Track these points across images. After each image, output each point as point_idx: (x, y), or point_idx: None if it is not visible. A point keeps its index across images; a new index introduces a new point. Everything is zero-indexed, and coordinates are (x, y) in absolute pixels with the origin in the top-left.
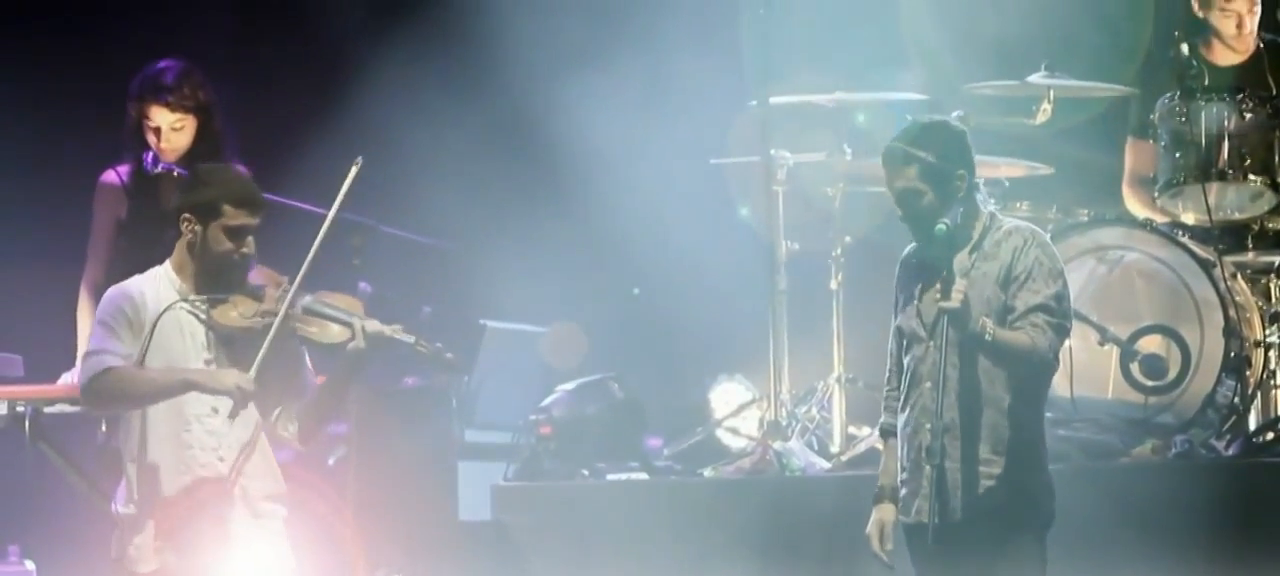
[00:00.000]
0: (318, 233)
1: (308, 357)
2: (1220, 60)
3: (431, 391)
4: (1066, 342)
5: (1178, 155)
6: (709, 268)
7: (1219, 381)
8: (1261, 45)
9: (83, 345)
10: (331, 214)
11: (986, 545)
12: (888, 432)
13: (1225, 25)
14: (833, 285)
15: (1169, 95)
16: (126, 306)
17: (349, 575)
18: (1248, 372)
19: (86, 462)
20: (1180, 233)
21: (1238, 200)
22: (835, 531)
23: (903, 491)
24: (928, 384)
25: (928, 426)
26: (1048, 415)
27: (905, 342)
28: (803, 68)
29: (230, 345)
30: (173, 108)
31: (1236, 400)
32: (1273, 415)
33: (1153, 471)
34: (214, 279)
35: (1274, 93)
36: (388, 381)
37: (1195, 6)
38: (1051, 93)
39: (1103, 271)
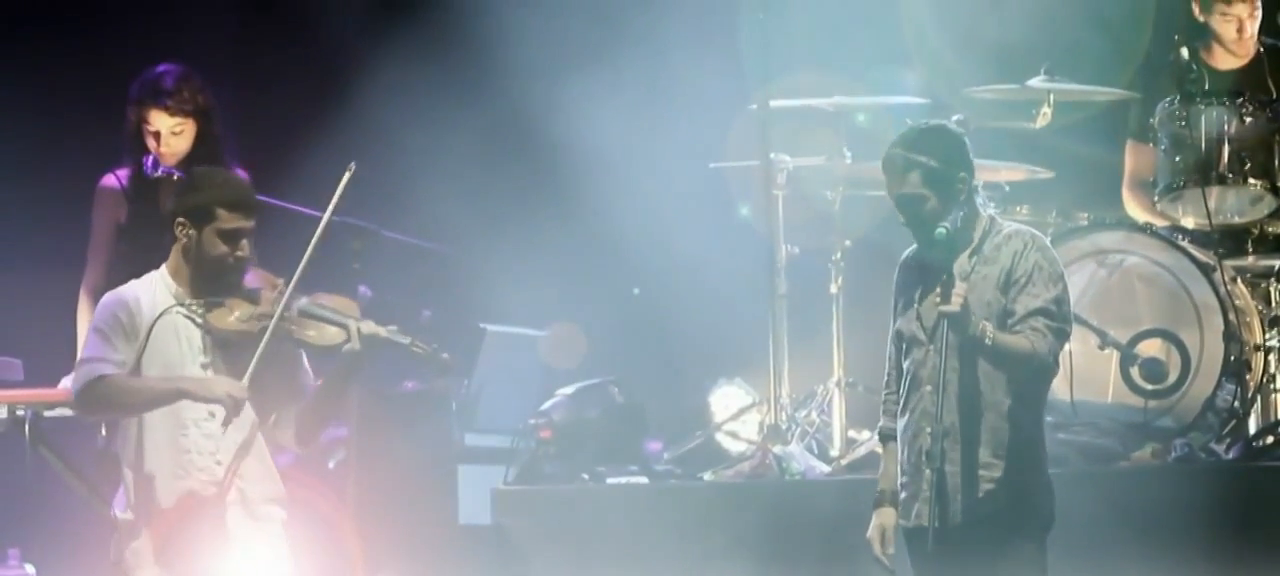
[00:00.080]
0: (324, 234)
1: (306, 360)
2: (1221, 64)
3: (431, 395)
4: (1066, 346)
5: (1178, 159)
6: (709, 271)
7: (1219, 385)
8: (1262, 49)
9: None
10: (325, 219)
11: (987, 548)
12: (887, 436)
13: (1226, 29)
14: (833, 289)
15: (1169, 99)
16: (121, 313)
17: None
18: (1248, 376)
19: (86, 466)
20: (1180, 236)
21: (1238, 204)
22: (835, 535)
23: (903, 495)
24: (928, 387)
25: (928, 430)
26: (1048, 419)
27: (905, 346)
28: (802, 71)
29: (227, 349)
30: (172, 111)
31: (1236, 404)
32: (1273, 419)
33: (1153, 475)
34: (210, 283)
35: (1274, 96)
36: (388, 385)
37: (1196, 10)
38: (1052, 96)
39: (1103, 275)
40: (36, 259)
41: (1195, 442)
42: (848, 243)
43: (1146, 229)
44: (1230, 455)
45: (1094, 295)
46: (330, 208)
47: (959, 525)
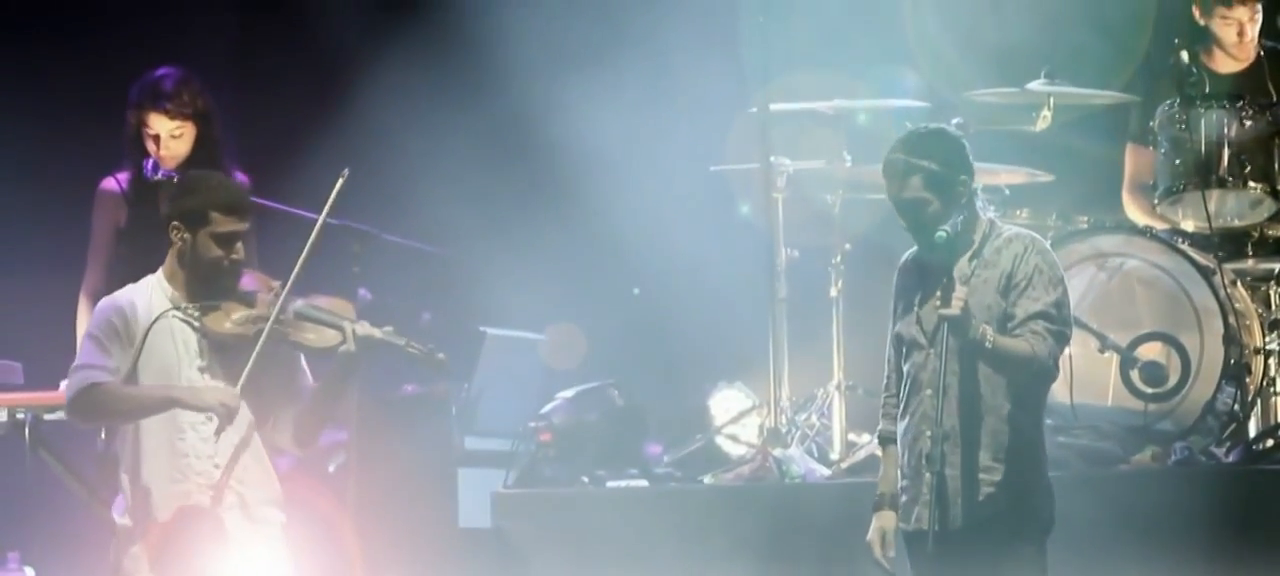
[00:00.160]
0: (318, 237)
1: (304, 362)
2: (1221, 67)
3: (431, 398)
4: (1066, 349)
5: (1177, 162)
6: (709, 274)
7: (1219, 388)
8: (1262, 53)
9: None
10: (319, 224)
11: (987, 552)
12: (886, 440)
13: (1226, 33)
14: (832, 292)
15: (1169, 102)
16: (115, 319)
17: None
18: (1247, 380)
19: (86, 469)
20: (1180, 240)
21: (1237, 207)
22: (835, 538)
23: (903, 498)
24: (928, 391)
25: (928, 433)
26: (1048, 422)
27: (905, 349)
28: (802, 73)
29: (223, 352)
30: (171, 115)
31: (1236, 407)
32: (1273, 422)
33: (1153, 478)
34: (205, 286)
35: (1275, 100)
36: (387, 389)
37: (1196, 14)
38: (1052, 100)
39: (1103, 278)
40: (36, 262)
41: (1195, 446)
42: (848, 246)
43: (1146, 232)
44: (1230, 458)
45: (1094, 298)
46: (323, 213)
47: (959, 528)
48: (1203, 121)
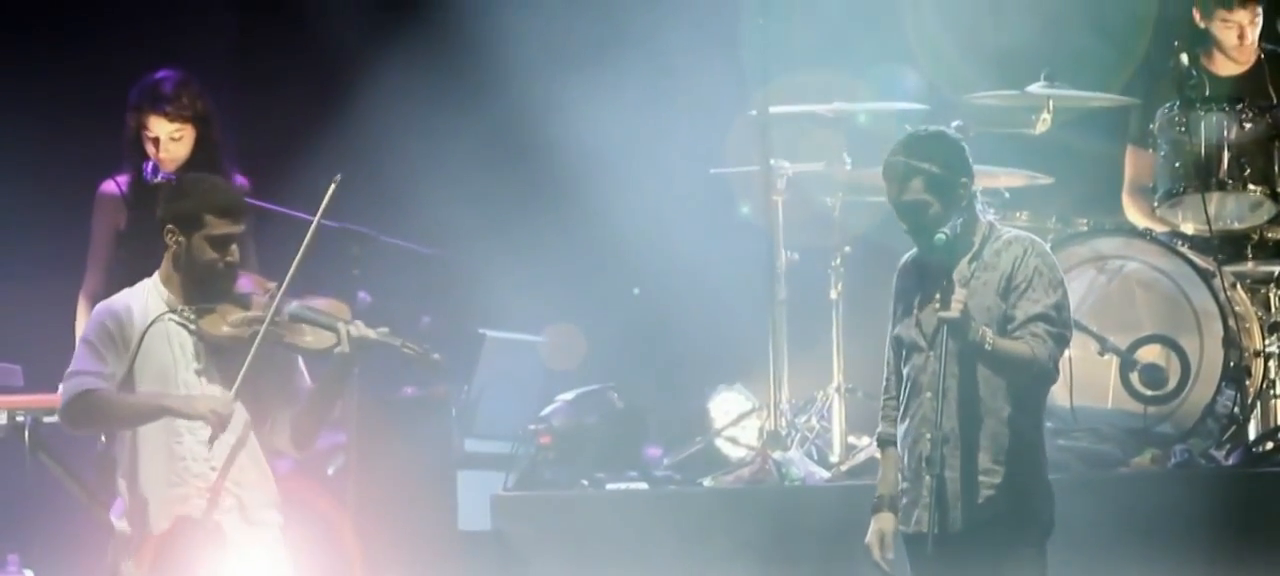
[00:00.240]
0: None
1: (302, 364)
2: (1221, 70)
3: (431, 401)
4: (1066, 352)
5: (1177, 165)
6: (709, 277)
7: (1218, 391)
8: (1262, 55)
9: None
10: (312, 228)
11: (987, 555)
12: (886, 442)
13: (1227, 35)
14: (832, 294)
15: (1168, 105)
16: (110, 324)
17: None
18: (1247, 382)
19: (85, 472)
20: (1180, 242)
21: (1237, 210)
22: (835, 541)
23: (903, 501)
24: (927, 393)
25: (927, 436)
26: (1047, 424)
27: (904, 352)
28: (802, 76)
29: (220, 354)
30: (171, 117)
31: (1236, 410)
32: (1272, 425)
33: (1152, 481)
34: (201, 289)
35: (1275, 102)
36: (387, 391)
37: (1197, 17)
38: (1051, 102)
39: (1102, 281)
40: (36, 264)
41: (1195, 448)
42: (847, 248)
43: (1146, 235)
44: (1230, 461)
45: (1094, 301)
46: (316, 218)
47: (959, 531)
48: (1202, 124)
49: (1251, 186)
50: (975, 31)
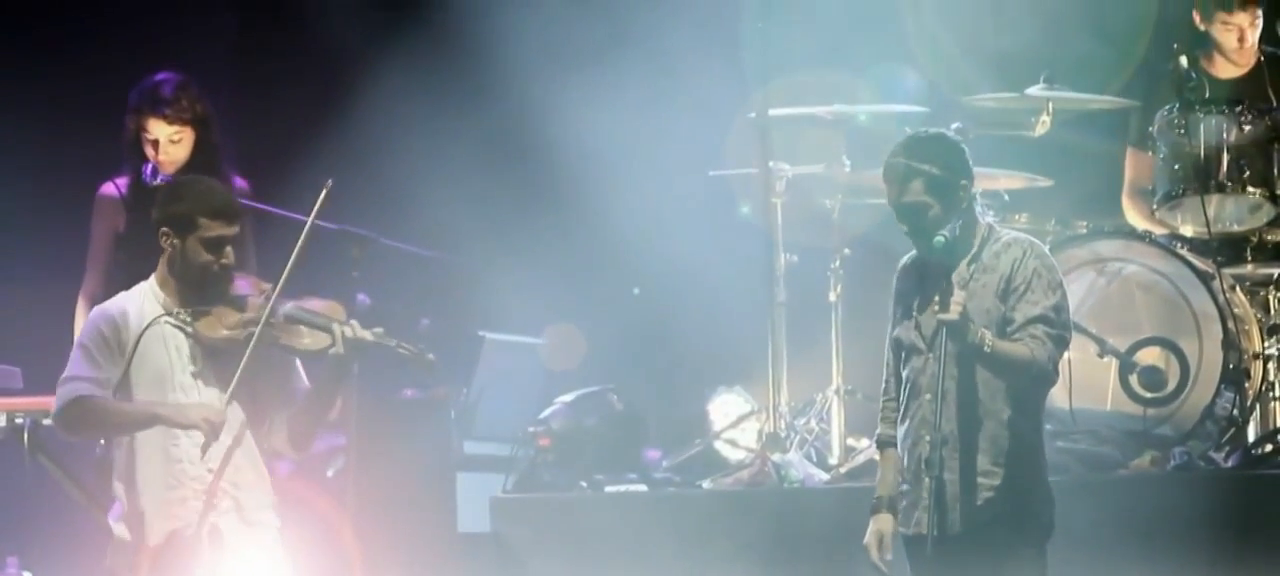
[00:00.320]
0: (313, 243)
1: (300, 365)
2: (1221, 73)
3: (430, 403)
4: (1065, 354)
5: (1176, 167)
6: (708, 279)
7: (1218, 393)
8: (1262, 58)
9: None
10: (304, 233)
11: (986, 556)
12: (885, 443)
13: (1227, 38)
14: (831, 297)
15: (1168, 107)
16: (106, 328)
17: None
18: (1246, 385)
19: (84, 474)
20: (1179, 245)
21: (1236, 212)
22: (834, 543)
23: (903, 502)
24: (927, 396)
25: (926, 438)
26: (1047, 427)
27: (904, 354)
28: (802, 78)
29: (216, 357)
30: (170, 120)
31: (1235, 412)
32: (1271, 427)
33: (1151, 483)
34: (196, 291)
35: (1274, 105)
36: (386, 393)
37: (1197, 19)
38: (1051, 105)
39: (1102, 283)
40: (36, 267)
41: (1194, 451)
42: (847, 250)
43: (1145, 237)
44: (1229, 463)
45: (1093, 303)
46: (309, 221)
47: (958, 533)
48: (1202, 126)
49: (1251, 189)
50: (975, 33)
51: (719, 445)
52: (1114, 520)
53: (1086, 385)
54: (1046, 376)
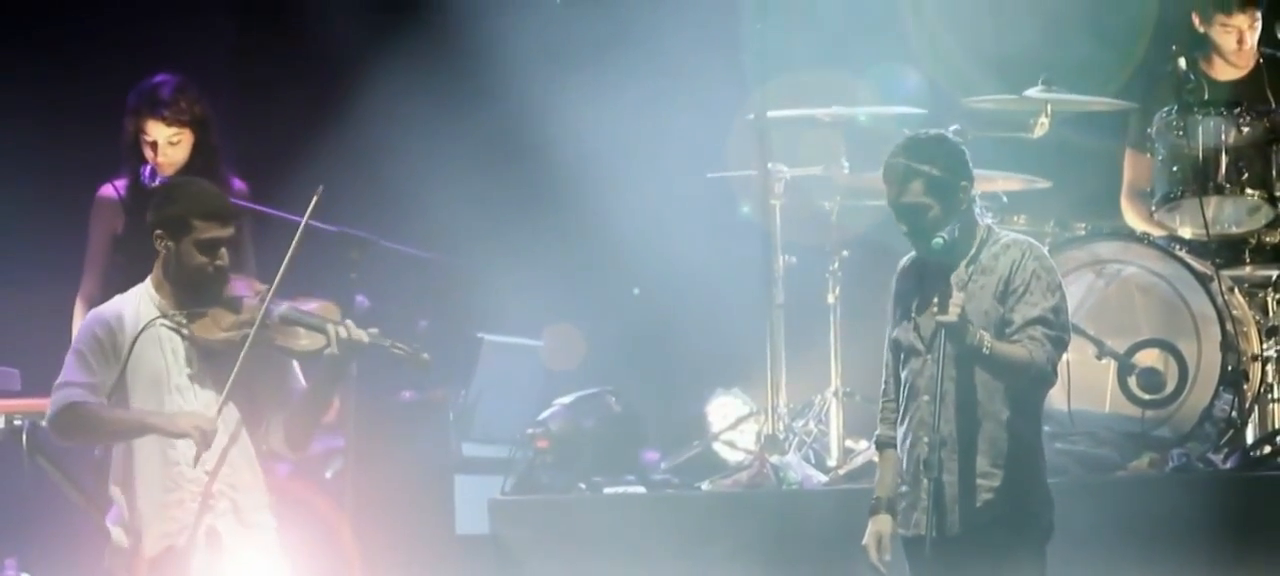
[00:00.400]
0: (312, 245)
1: (297, 366)
2: (1220, 75)
3: (429, 405)
4: (1064, 356)
5: (1175, 169)
6: (706, 281)
7: (1216, 395)
8: (1261, 60)
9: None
10: (297, 236)
11: (985, 558)
12: (884, 444)
13: (1226, 40)
14: (830, 299)
15: (1166, 109)
16: (100, 332)
17: None
18: (1245, 386)
19: (83, 476)
20: (1177, 246)
21: (1235, 214)
22: (833, 545)
23: (902, 504)
24: (925, 397)
25: (925, 439)
26: (1045, 428)
27: (903, 355)
28: (801, 80)
29: (212, 358)
30: (169, 122)
31: (1234, 414)
32: (1270, 429)
33: (1150, 485)
34: (191, 293)
35: (1273, 106)
36: (385, 395)
37: (1196, 22)
38: (1049, 107)
39: (1100, 285)
40: (35, 269)
41: (1193, 452)
42: (845, 252)
43: (1144, 239)
44: (1227, 465)
45: (1092, 305)
46: (301, 225)
47: (957, 534)
48: (1200, 128)
49: (1249, 190)
50: (974, 35)
51: (717, 447)
52: (1112, 522)
53: (1085, 387)
54: (1045, 378)
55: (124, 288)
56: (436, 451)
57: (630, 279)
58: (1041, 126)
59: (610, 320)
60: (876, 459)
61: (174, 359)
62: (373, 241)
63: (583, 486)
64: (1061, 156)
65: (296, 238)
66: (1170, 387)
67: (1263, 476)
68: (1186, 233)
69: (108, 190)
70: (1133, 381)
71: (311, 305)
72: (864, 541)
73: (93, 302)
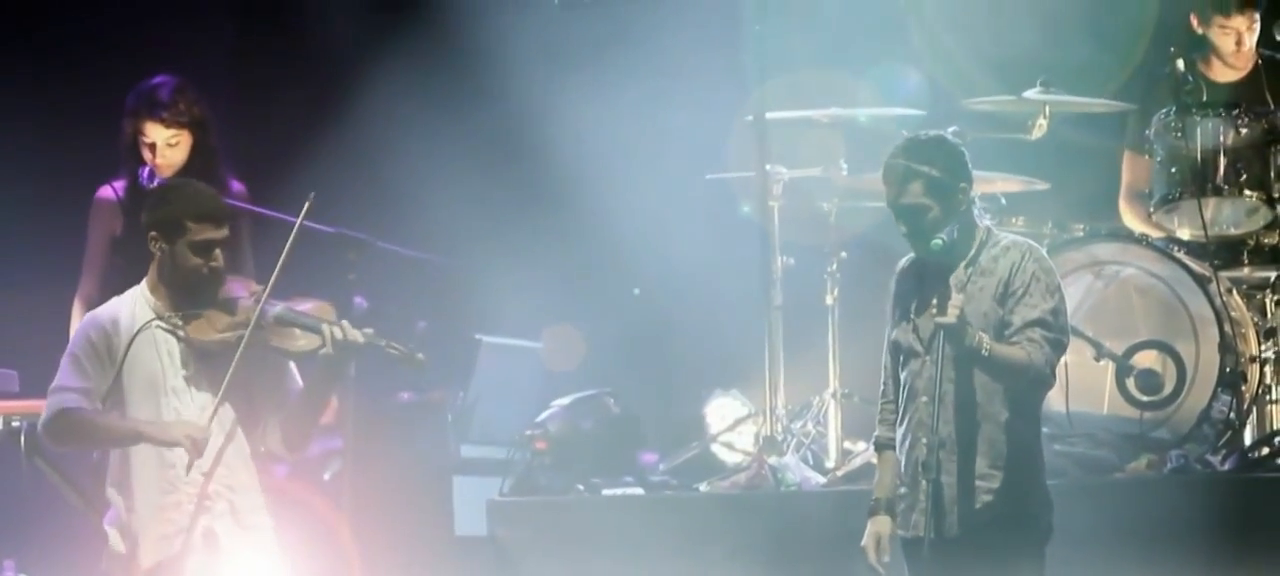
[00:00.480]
0: (310, 246)
1: (294, 366)
2: (1219, 76)
3: (427, 406)
4: (1062, 357)
5: (1173, 170)
6: (705, 282)
7: (1214, 397)
8: (1259, 61)
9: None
10: (291, 239)
11: (984, 559)
12: (883, 446)
13: (1224, 42)
14: (828, 300)
15: (1165, 110)
16: (94, 336)
17: None
18: (1243, 388)
19: (82, 478)
20: (1176, 248)
21: (1233, 215)
22: (831, 546)
23: (901, 505)
24: (924, 398)
25: (924, 441)
26: (1043, 430)
27: (902, 357)
28: (799, 82)
29: (207, 360)
30: (167, 123)
31: (1232, 415)
32: (1268, 430)
33: (1148, 486)
34: (186, 295)
35: (1271, 108)
36: (383, 396)
37: (1194, 23)
38: (1047, 108)
39: (1099, 286)
40: (33, 270)
41: (1191, 454)
42: (844, 253)
43: (1142, 240)
44: (1226, 466)
45: (1090, 306)
46: (294, 229)
47: (955, 536)
48: (1199, 129)
49: (1247, 192)
50: (973, 36)
51: (716, 448)
52: (1111, 523)
53: (1083, 388)
54: (1044, 380)
55: (122, 289)
56: (435, 452)
57: (629, 280)
58: (1040, 128)
59: (609, 321)
60: (875, 460)
61: (169, 361)
62: (370, 242)
63: (581, 488)
64: (1060, 158)
65: (289, 242)
66: (1168, 389)
67: (1261, 478)
68: (1185, 234)
69: (106, 192)
70: (1131, 383)
71: (307, 305)
72: (863, 542)
73: (91, 304)
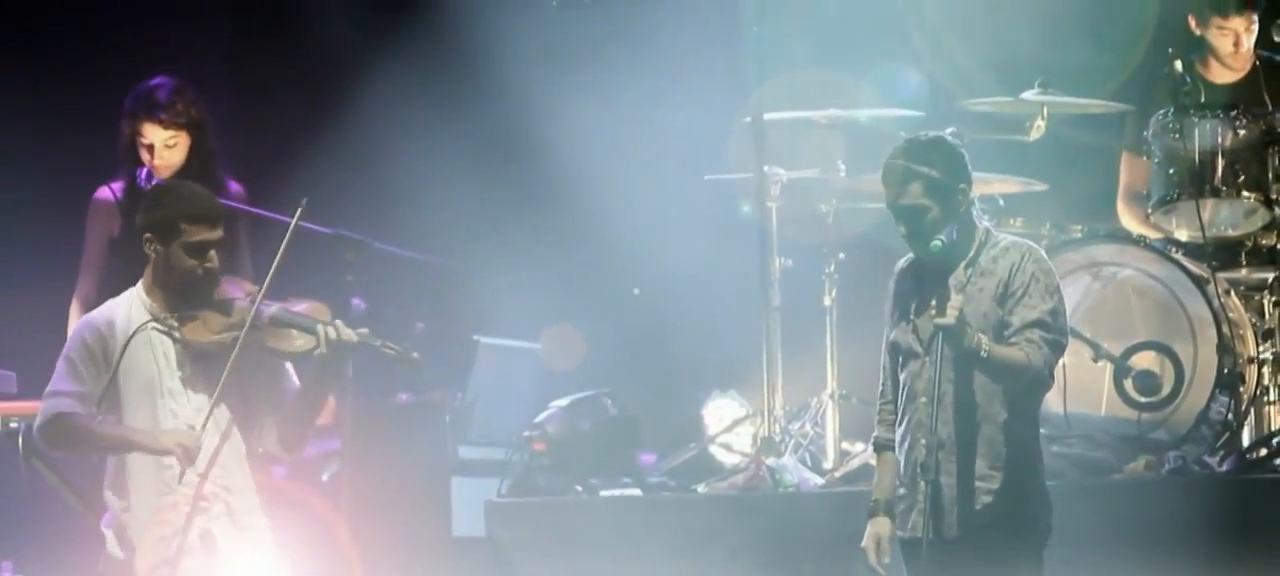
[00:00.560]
0: (308, 247)
1: (290, 367)
2: (1217, 77)
3: (425, 407)
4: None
5: (1171, 171)
6: (703, 283)
7: (1212, 398)
8: (1258, 62)
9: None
10: (286, 242)
11: (984, 561)
12: (882, 446)
13: (1222, 43)
14: (826, 301)
15: (1163, 111)
16: (90, 338)
17: None
18: (1241, 389)
19: (80, 479)
20: (1174, 249)
21: (1231, 217)
22: (829, 547)
23: (900, 506)
24: (923, 399)
25: (923, 442)
26: (1042, 431)
27: (901, 358)
28: (798, 83)
29: (203, 361)
30: (165, 124)
31: (1230, 416)
32: (1266, 431)
33: (1146, 488)
34: (182, 296)
35: (1269, 109)
36: (382, 397)
37: (1192, 24)
38: (1045, 109)
39: (1097, 287)
40: (31, 271)
41: (1189, 455)
42: (842, 254)
43: (1140, 241)
44: (1224, 468)
45: (1088, 307)
46: (289, 231)
47: (954, 537)
48: (1197, 131)
49: (1245, 193)
50: (972, 38)
51: (714, 449)
52: (1109, 524)
53: (1081, 389)
54: (1042, 381)
55: (120, 290)
56: (433, 453)
57: (628, 280)
58: (1038, 129)
59: (608, 322)
60: (874, 461)
61: (165, 362)
62: (368, 243)
63: (579, 488)
64: (1058, 159)
65: (283, 245)
66: (1166, 390)
67: (1259, 479)
68: (1183, 235)
69: (104, 193)
70: (1129, 384)
71: (302, 306)
72: (863, 543)
73: (89, 305)
